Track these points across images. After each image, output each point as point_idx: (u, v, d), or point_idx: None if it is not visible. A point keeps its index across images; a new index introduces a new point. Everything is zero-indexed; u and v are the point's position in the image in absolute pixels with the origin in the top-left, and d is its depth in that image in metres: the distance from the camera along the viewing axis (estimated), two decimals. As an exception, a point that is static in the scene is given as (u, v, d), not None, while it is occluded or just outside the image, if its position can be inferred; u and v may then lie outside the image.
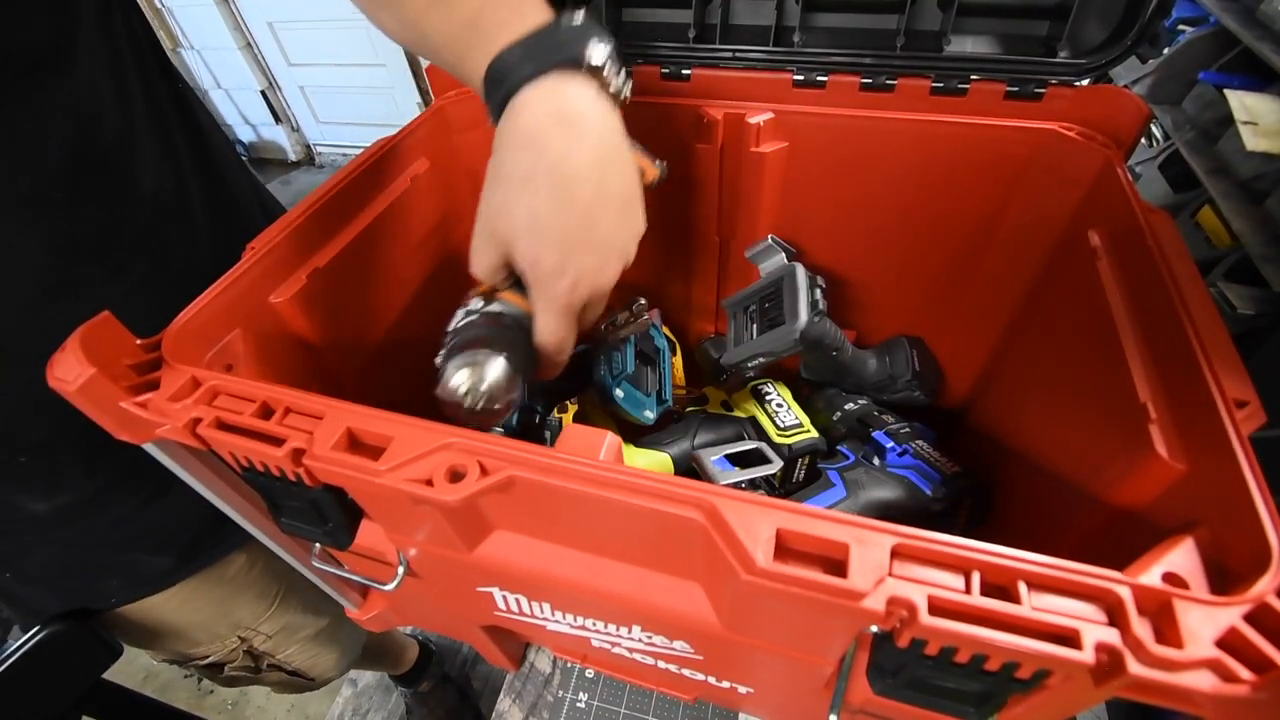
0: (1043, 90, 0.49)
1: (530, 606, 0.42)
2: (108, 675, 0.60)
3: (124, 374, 0.33)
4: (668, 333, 0.75)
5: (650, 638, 0.40)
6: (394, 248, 0.56)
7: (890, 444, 0.59)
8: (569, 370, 0.64)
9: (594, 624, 0.41)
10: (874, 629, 0.26)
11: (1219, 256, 1.30)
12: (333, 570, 0.46)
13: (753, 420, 0.64)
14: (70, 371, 0.31)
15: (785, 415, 0.62)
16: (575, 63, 0.34)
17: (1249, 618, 0.22)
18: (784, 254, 0.62)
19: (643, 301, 0.65)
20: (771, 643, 0.34)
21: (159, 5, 2.72)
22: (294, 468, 0.30)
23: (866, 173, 0.57)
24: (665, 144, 0.60)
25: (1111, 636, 0.22)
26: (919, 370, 0.65)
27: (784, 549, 0.25)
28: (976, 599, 0.23)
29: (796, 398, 0.66)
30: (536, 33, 0.34)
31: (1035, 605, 0.23)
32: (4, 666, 0.52)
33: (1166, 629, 0.22)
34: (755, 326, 0.61)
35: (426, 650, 1.15)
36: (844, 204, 0.60)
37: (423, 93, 2.70)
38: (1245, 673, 0.21)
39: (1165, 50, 1.58)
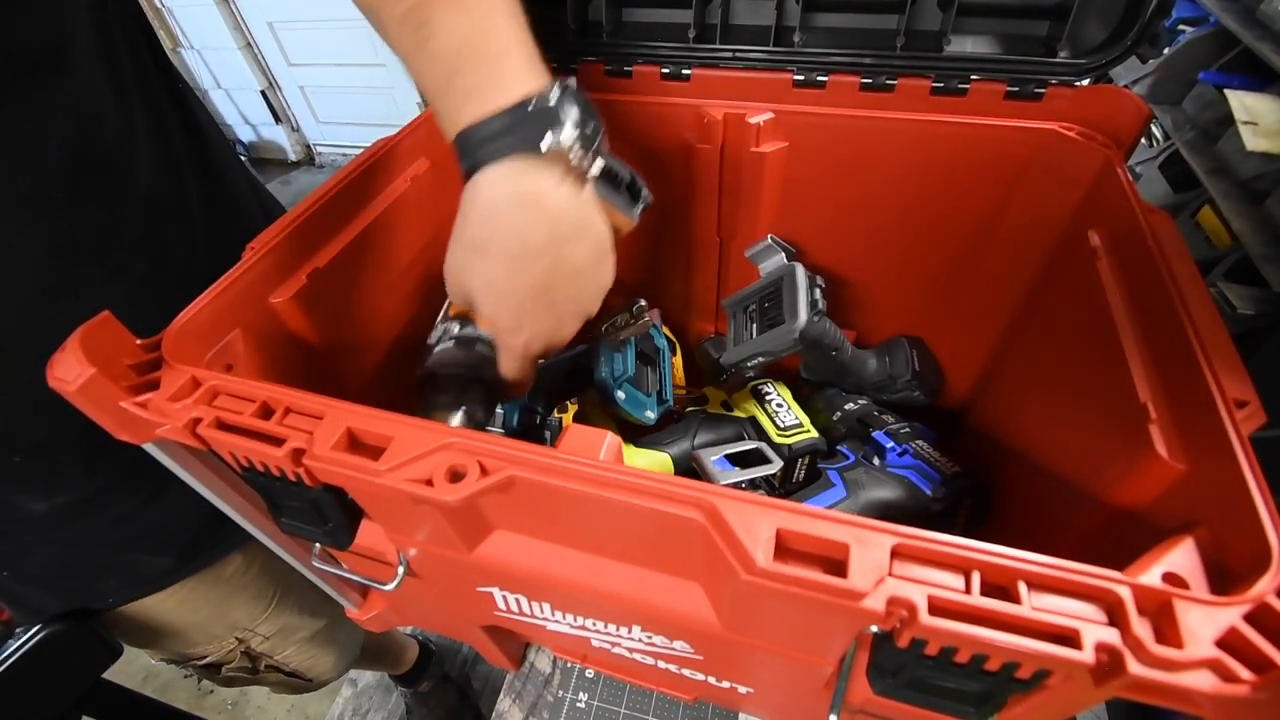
0: (1043, 90, 0.49)
1: (530, 606, 0.42)
2: (108, 675, 0.60)
3: (124, 374, 0.33)
4: (667, 333, 0.75)
5: (650, 638, 0.40)
6: (394, 248, 0.56)
7: (890, 444, 0.59)
8: (569, 371, 0.64)
9: (594, 624, 0.41)
10: (874, 629, 0.26)
11: (1219, 256, 1.30)
12: (333, 570, 0.46)
13: (753, 420, 0.64)
14: (70, 371, 0.31)
15: (785, 415, 0.62)
16: (535, 150, 0.34)
17: (1249, 618, 0.22)
18: (784, 254, 0.62)
19: (643, 303, 0.65)
20: (771, 643, 0.34)
21: (159, 5, 2.72)
22: (294, 468, 0.30)
23: (866, 173, 0.57)
24: (665, 144, 0.60)
25: (1111, 636, 0.22)
26: (919, 370, 0.65)
27: (784, 549, 0.25)
28: (976, 599, 0.23)
29: (796, 398, 0.66)
30: (503, 113, 0.34)
31: (1035, 605, 0.23)
32: (4, 666, 0.52)
33: (1166, 629, 0.22)
34: (755, 326, 0.61)
35: (426, 650, 1.15)
36: (844, 204, 0.60)
37: (423, 93, 2.69)
38: (1245, 673, 0.21)
39: (1165, 50, 1.57)
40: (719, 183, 0.61)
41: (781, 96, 0.55)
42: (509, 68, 0.35)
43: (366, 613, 0.54)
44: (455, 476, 0.28)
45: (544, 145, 0.34)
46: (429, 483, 0.28)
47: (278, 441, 0.30)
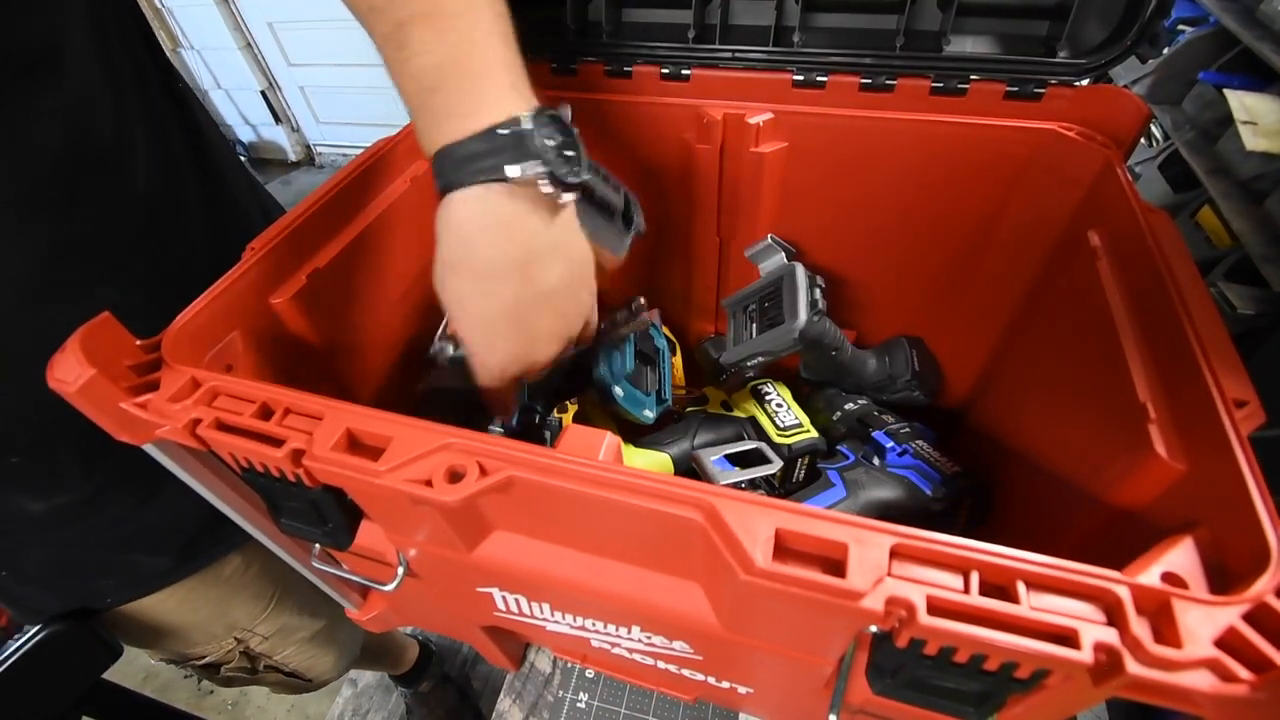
0: (1042, 90, 0.49)
1: (530, 607, 0.42)
2: (108, 675, 0.60)
3: (124, 375, 0.33)
4: (667, 332, 0.75)
5: (650, 638, 0.40)
6: (394, 249, 0.56)
7: (890, 444, 0.59)
8: (569, 371, 0.64)
9: (594, 624, 0.41)
10: (873, 629, 0.26)
11: (1219, 256, 1.30)
12: (332, 571, 0.46)
13: (752, 420, 0.64)
14: (70, 372, 0.31)
15: (785, 415, 0.62)
16: (503, 179, 0.34)
17: (1248, 617, 0.22)
18: (783, 253, 0.62)
19: (641, 301, 0.65)
20: (771, 643, 0.34)
21: (159, 5, 2.72)
22: (294, 468, 0.30)
23: (866, 173, 0.57)
24: (665, 144, 0.60)
25: (1110, 636, 0.22)
26: (918, 370, 0.65)
27: (783, 549, 0.25)
28: (975, 599, 0.23)
29: (796, 398, 0.66)
30: (477, 136, 0.34)
31: (1034, 605, 0.23)
32: (4, 666, 0.52)
33: (1165, 629, 0.22)
34: (755, 326, 0.61)
35: (426, 650, 1.15)
36: (844, 204, 0.60)
37: (423, 93, 2.69)
38: (1244, 672, 0.21)
39: (1165, 50, 1.57)
40: (719, 183, 0.61)
41: (781, 97, 0.55)
42: (489, 88, 0.34)
43: (366, 613, 0.54)
44: (454, 477, 0.28)
45: (510, 173, 0.34)
46: (428, 483, 0.28)
47: (277, 442, 0.30)
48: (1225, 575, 0.24)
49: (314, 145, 3.20)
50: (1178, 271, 0.35)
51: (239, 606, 0.65)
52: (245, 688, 0.75)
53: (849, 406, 0.66)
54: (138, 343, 0.35)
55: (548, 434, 0.63)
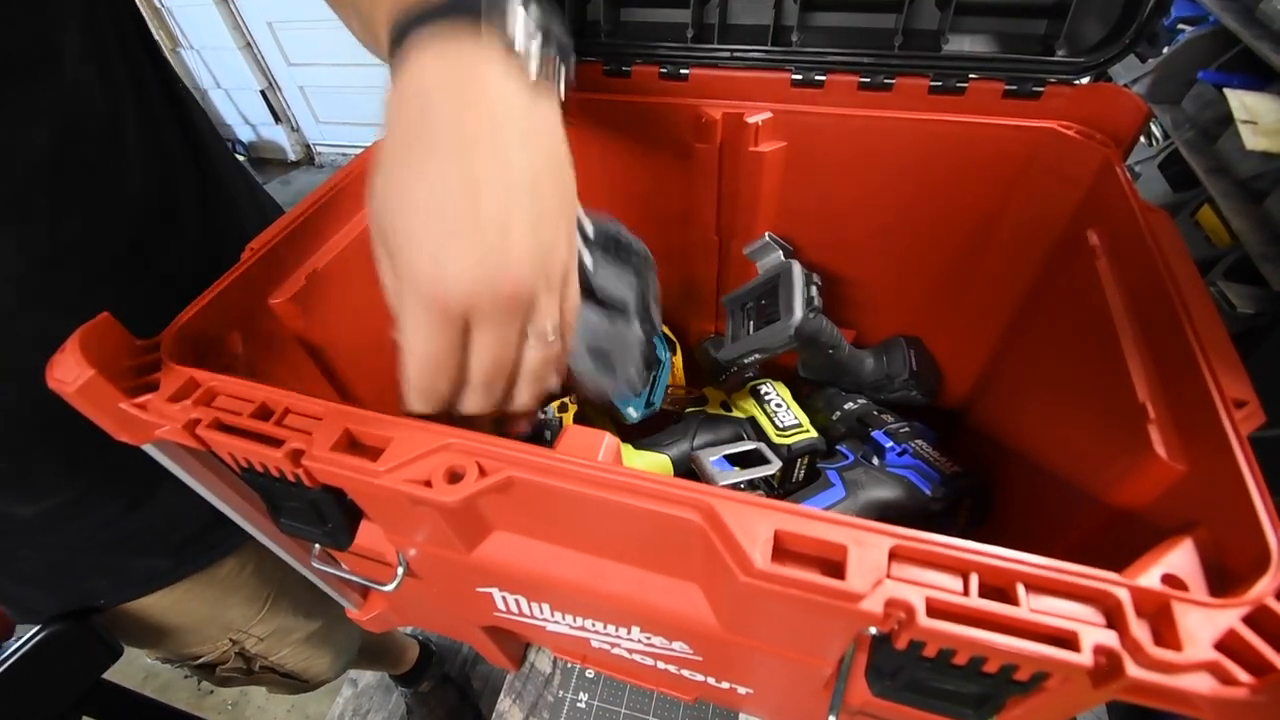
0: (1041, 89, 0.49)
1: (530, 607, 0.42)
2: (108, 675, 0.60)
3: (123, 375, 0.33)
4: (667, 332, 0.75)
5: (649, 639, 0.40)
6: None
7: (890, 444, 0.59)
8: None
9: (593, 625, 0.41)
10: (872, 631, 0.26)
11: (1218, 255, 1.30)
12: (332, 571, 0.46)
13: (752, 420, 0.64)
14: (69, 373, 0.31)
15: (784, 415, 0.62)
16: (475, 21, 0.28)
17: (1248, 620, 0.21)
18: (781, 251, 0.62)
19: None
20: (770, 644, 0.34)
21: (159, 5, 2.72)
22: (293, 468, 0.30)
23: (865, 172, 0.57)
24: (663, 144, 0.60)
25: (1110, 639, 0.22)
26: (916, 370, 0.65)
27: (782, 550, 0.25)
28: (975, 601, 0.23)
29: (796, 397, 0.66)
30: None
31: (1033, 607, 0.23)
32: (4, 666, 0.52)
33: (1165, 631, 0.22)
34: (752, 323, 0.61)
35: (426, 650, 1.15)
36: (843, 203, 0.60)
37: (422, 92, 2.69)
38: (1244, 675, 0.20)
39: (1164, 49, 1.57)
40: (718, 183, 0.61)
41: (780, 96, 0.55)
42: None
43: (367, 613, 0.54)
44: (454, 477, 0.28)
45: (495, 25, 0.28)
46: (428, 483, 0.28)
47: (276, 442, 0.30)
48: (1225, 577, 0.24)
49: (314, 145, 3.20)
50: (1177, 271, 0.35)
51: (234, 608, 0.65)
52: (245, 687, 0.75)
53: (848, 406, 0.66)
54: (137, 343, 0.35)
55: (548, 434, 0.63)
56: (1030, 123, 0.50)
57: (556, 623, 0.43)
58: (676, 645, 0.39)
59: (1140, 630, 0.22)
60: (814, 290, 0.59)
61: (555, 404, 0.66)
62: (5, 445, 0.46)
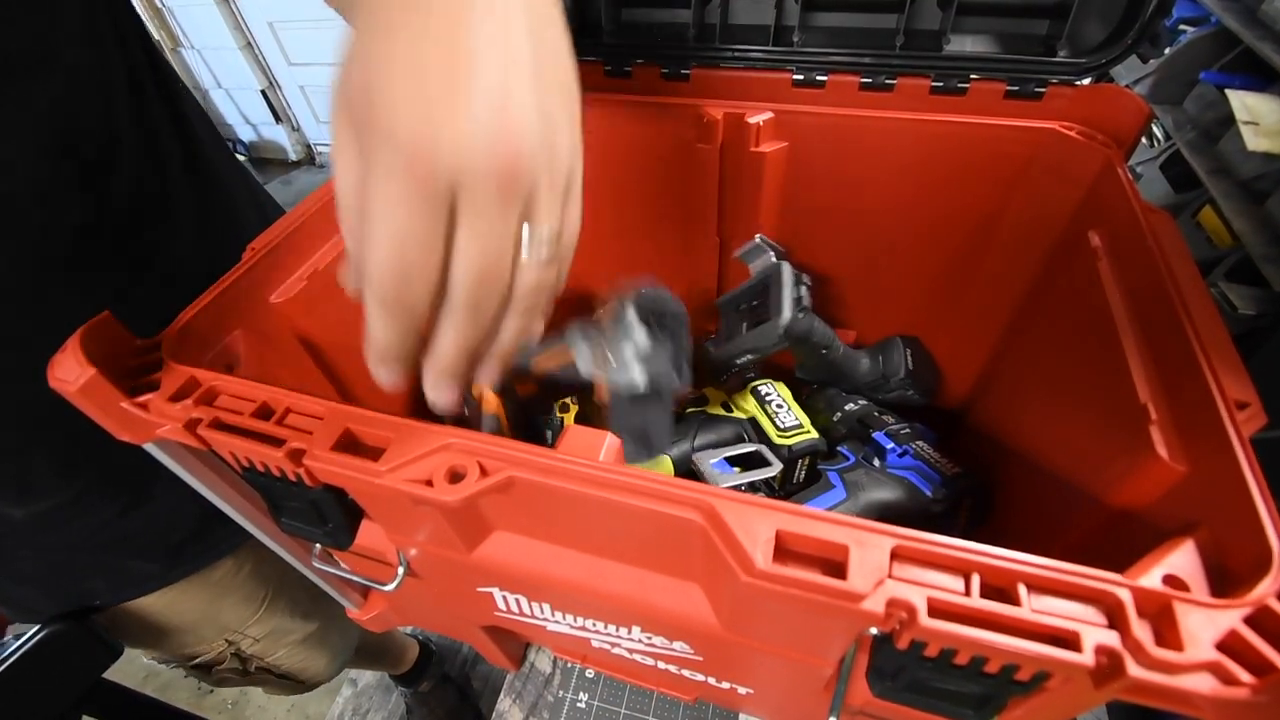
0: (1043, 90, 0.49)
1: (530, 607, 0.42)
2: (108, 675, 0.60)
3: (124, 374, 0.33)
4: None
5: (650, 638, 0.40)
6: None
7: (890, 445, 0.58)
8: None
9: (594, 624, 0.41)
10: (873, 631, 0.26)
11: (1220, 256, 1.30)
12: (332, 570, 0.46)
13: (753, 421, 0.64)
14: (71, 372, 0.31)
15: (785, 416, 0.62)
16: None
17: (1249, 620, 0.21)
18: (772, 253, 0.62)
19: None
20: (771, 644, 0.34)
21: (159, 5, 2.72)
22: (294, 468, 0.30)
23: (866, 172, 0.57)
24: (664, 144, 0.60)
25: (1111, 639, 0.22)
26: (912, 369, 0.65)
27: (783, 550, 0.25)
28: (976, 601, 0.23)
29: (797, 398, 0.66)
30: None
31: (1035, 607, 0.23)
32: (4, 666, 0.52)
33: (1166, 631, 0.22)
34: (745, 324, 0.62)
35: (427, 650, 1.15)
36: (844, 204, 0.60)
37: (423, 92, 2.69)
38: (1245, 675, 0.20)
39: (1166, 50, 1.57)
40: (719, 183, 0.61)
41: (781, 96, 0.55)
42: None
43: (367, 612, 0.54)
44: (455, 477, 0.28)
45: None
46: (429, 483, 0.28)
47: (278, 442, 0.30)
48: (1226, 578, 0.24)
49: (314, 145, 3.20)
50: (1178, 272, 0.35)
51: (229, 609, 0.65)
52: (245, 687, 0.75)
53: (849, 407, 0.66)
54: (138, 342, 0.35)
55: (549, 434, 0.63)
56: (1031, 123, 0.50)
57: (557, 623, 0.43)
58: (677, 645, 0.39)
59: (1142, 630, 0.22)
60: (803, 290, 0.59)
61: (557, 404, 0.66)
62: (1, 446, 0.46)
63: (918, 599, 0.23)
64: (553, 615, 0.42)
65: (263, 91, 2.94)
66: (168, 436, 0.32)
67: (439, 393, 0.29)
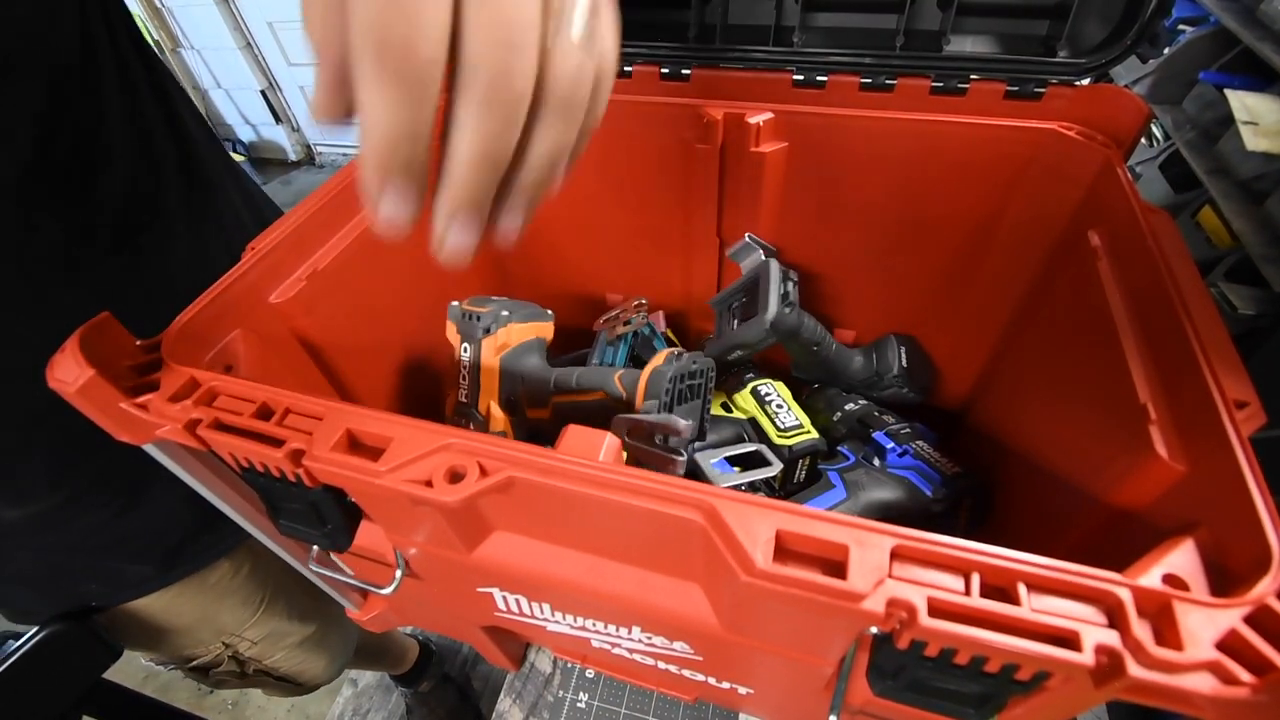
0: (1042, 90, 0.49)
1: (530, 607, 0.42)
2: (108, 675, 0.60)
3: (123, 375, 0.33)
4: (669, 334, 0.75)
5: (650, 638, 0.40)
6: (393, 248, 0.55)
7: (890, 444, 0.58)
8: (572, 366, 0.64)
9: (594, 625, 0.41)
10: (874, 630, 0.26)
11: (1219, 256, 1.30)
12: (331, 572, 0.46)
13: (753, 421, 0.64)
14: (70, 373, 0.31)
15: (785, 416, 0.62)
16: None
17: (1249, 620, 0.21)
18: (761, 251, 0.63)
19: (644, 301, 0.65)
20: (771, 644, 0.34)
21: (159, 5, 2.72)
22: (293, 468, 0.30)
23: (866, 173, 0.57)
24: (664, 144, 0.60)
25: (1111, 638, 0.22)
26: (906, 367, 0.65)
27: (783, 550, 0.25)
28: (976, 600, 0.23)
29: (797, 398, 0.66)
30: None
31: (1035, 607, 0.23)
32: (4, 666, 0.52)
33: (1166, 631, 0.22)
34: (736, 321, 0.63)
35: (427, 650, 1.15)
36: (843, 204, 0.60)
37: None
38: (1245, 675, 0.20)
39: (1165, 50, 1.57)
40: (719, 183, 0.61)
41: (781, 96, 0.55)
42: None
43: (367, 613, 0.54)
44: (455, 477, 0.28)
45: None
46: (428, 484, 0.28)
47: (277, 442, 0.30)
48: (1226, 577, 0.24)
49: (314, 145, 3.20)
50: (1178, 272, 0.35)
51: (226, 612, 0.65)
52: (245, 688, 0.75)
53: (849, 407, 0.66)
54: (137, 343, 0.35)
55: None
56: (1031, 124, 0.50)
57: (557, 623, 0.43)
58: (677, 645, 0.39)
59: (1141, 630, 0.22)
60: (790, 286, 0.60)
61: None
62: None
63: (918, 598, 0.23)
64: (553, 615, 0.42)
65: (262, 92, 2.94)
66: (167, 437, 0.32)
67: (454, 228, 0.23)
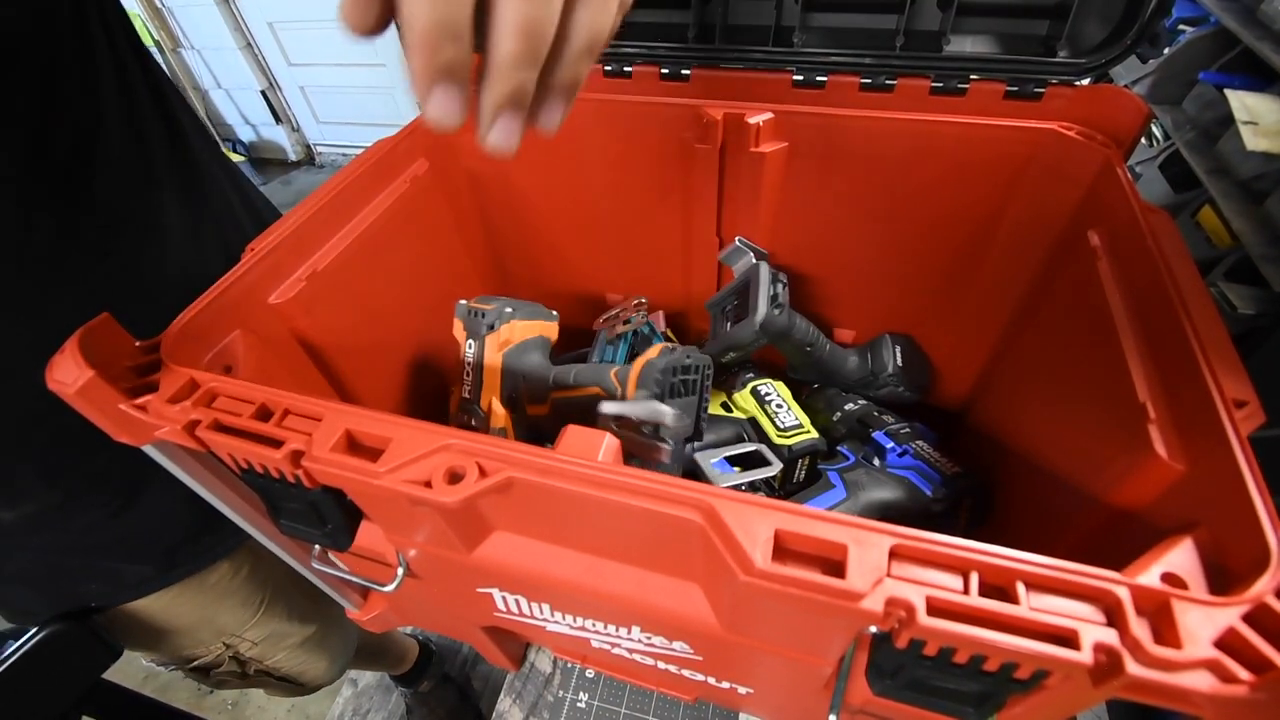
0: (1042, 90, 0.49)
1: (530, 607, 0.42)
2: (108, 675, 0.60)
3: (123, 376, 0.33)
4: (669, 334, 0.75)
5: (650, 638, 0.40)
6: (393, 249, 0.56)
7: (890, 444, 0.59)
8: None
9: (594, 625, 0.41)
10: (873, 630, 0.26)
11: (1219, 256, 1.30)
12: (332, 571, 0.46)
13: (752, 421, 0.64)
14: (69, 374, 0.31)
15: (785, 416, 0.62)
16: None
17: (1248, 618, 0.21)
18: (752, 254, 0.63)
19: (643, 301, 0.65)
20: (771, 643, 0.34)
21: (159, 5, 2.72)
22: (293, 469, 0.30)
23: (866, 173, 0.57)
24: (664, 145, 0.60)
25: (1110, 637, 0.22)
26: (901, 366, 0.65)
27: (782, 550, 0.25)
28: (975, 599, 0.23)
29: (796, 398, 0.66)
30: None
31: (1034, 606, 0.23)
32: (4, 666, 0.52)
33: (1165, 629, 0.22)
34: (729, 323, 0.64)
35: (427, 650, 1.15)
36: (843, 204, 0.60)
37: (423, 93, 2.70)
38: (1244, 673, 0.21)
39: (1165, 50, 1.57)
40: (719, 183, 0.61)
41: (781, 96, 0.55)
42: None
43: (367, 613, 0.54)
44: (454, 478, 0.28)
45: None
46: (428, 484, 0.28)
47: (277, 443, 0.30)
48: (1225, 576, 0.24)
49: (314, 145, 3.20)
50: (1178, 271, 0.35)
51: (226, 612, 0.65)
52: (246, 689, 0.75)
53: (849, 407, 0.66)
54: (136, 344, 0.35)
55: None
56: (1031, 124, 0.50)
57: (557, 623, 0.43)
58: (677, 645, 0.39)
59: (1140, 628, 0.22)
60: (779, 288, 0.61)
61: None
62: None
63: (916, 598, 0.23)
64: (552, 615, 0.42)
65: (263, 92, 2.94)
66: (166, 438, 0.32)
67: (500, 120, 0.24)
